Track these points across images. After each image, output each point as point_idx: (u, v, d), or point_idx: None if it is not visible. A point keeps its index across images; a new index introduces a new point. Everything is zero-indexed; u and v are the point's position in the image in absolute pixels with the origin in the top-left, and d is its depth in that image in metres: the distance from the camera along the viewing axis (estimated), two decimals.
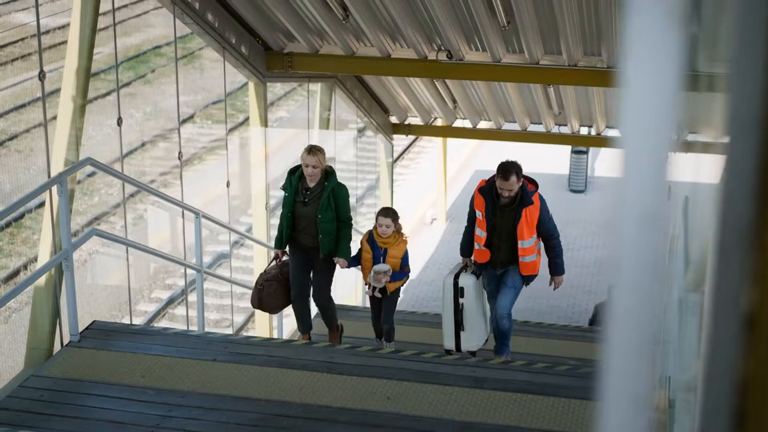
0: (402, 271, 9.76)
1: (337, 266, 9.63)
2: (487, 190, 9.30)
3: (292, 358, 8.01)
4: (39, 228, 9.07)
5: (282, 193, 9.54)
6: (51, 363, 7.88)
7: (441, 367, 7.88)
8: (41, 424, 6.92)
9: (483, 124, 19.77)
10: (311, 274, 9.66)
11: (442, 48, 12.81)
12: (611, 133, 19.28)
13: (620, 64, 1.13)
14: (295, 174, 9.32)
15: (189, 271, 12.94)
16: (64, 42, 9.36)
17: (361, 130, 20.05)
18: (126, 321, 12.31)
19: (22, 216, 18.97)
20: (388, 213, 9.75)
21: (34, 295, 8.95)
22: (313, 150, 9.13)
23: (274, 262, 9.86)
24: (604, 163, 28.73)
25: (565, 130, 19.28)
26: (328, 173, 9.29)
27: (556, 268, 9.73)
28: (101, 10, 9.52)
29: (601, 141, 19.71)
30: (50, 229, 8.87)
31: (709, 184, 3.13)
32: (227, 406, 7.21)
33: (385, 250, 9.63)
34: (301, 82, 16.63)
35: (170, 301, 18.50)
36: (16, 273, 17.66)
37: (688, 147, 4.19)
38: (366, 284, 9.99)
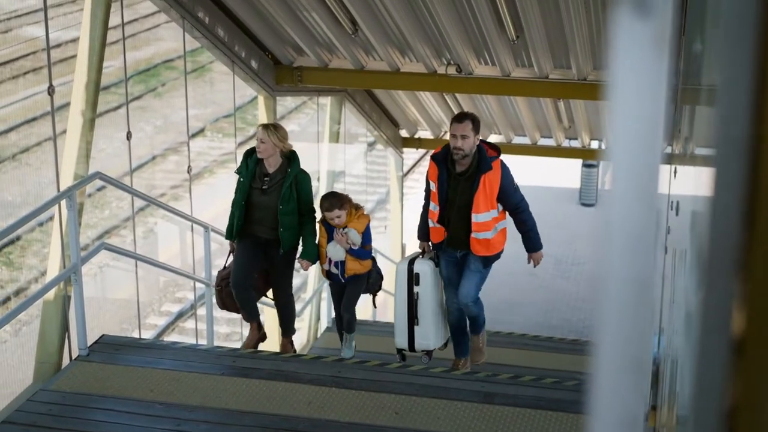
0: (363, 249, 8.56)
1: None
2: (442, 156, 8.07)
3: (300, 372, 8.00)
4: (50, 241, 9.10)
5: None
6: (59, 377, 7.89)
7: (450, 382, 7.87)
8: None
9: (493, 138, 19.75)
10: (267, 273, 8.73)
11: (452, 62, 12.82)
12: None
13: (606, 93, 1.13)
14: (252, 156, 8.33)
15: (198, 284, 12.95)
16: (75, 56, 9.39)
17: (371, 144, 20.07)
18: (136, 334, 12.33)
19: (32, 229, 19.02)
20: (333, 204, 8.40)
21: (43, 309, 8.96)
22: (269, 125, 8.31)
23: (231, 257, 8.84)
24: None
25: (575, 143, 19.28)
26: (291, 158, 8.32)
27: (531, 243, 8.37)
28: (112, 24, 9.56)
29: None
30: (59, 243, 8.89)
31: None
32: (235, 421, 7.20)
33: (344, 228, 8.49)
34: (311, 96, 16.67)
35: (180, 315, 18.52)
36: (26, 286, 17.70)
37: (697, 161, 4.17)
38: (322, 271, 8.86)
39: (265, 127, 8.23)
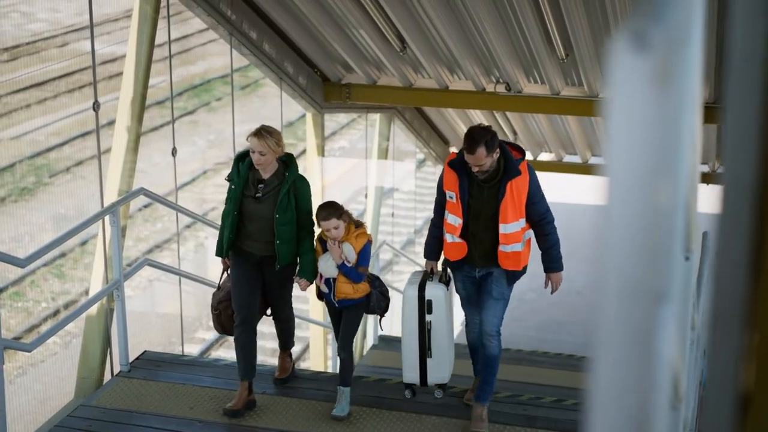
0: (355, 270, 7.35)
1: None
2: (460, 163, 7.00)
3: None
4: None
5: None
6: (100, 393, 7.90)
7: (492, 405, 7.76)
8: None
9: (544, 156, 19.62)
10: (263, 290, 7.58)
11: (501, 80, 12.74)
12: None
13: (603, 140, 1.07)
14: (245, 161, 7.29)
15: None
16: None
17: (420, 161, 20.02)
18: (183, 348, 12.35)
19: (84, 242, 19.17)
20: (330, 213, 7.19)
21: (86, 324, 9.00)
22: (261, 132, 7.11)
23: (225, 275, 7.75)
24: None
25: None
26: (288, 162, 7.33)
27: (551, 262, 7.27)
28: (165, 39, 9.58)
29: None
30: (102, 258, 8.92)
31: None
32: None
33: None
34: (361, 113, 16.67)
35: None
36: (77, 299, 17.84)
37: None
38: (316, 291, 7.74)
39: (259, 135, 7.09)
